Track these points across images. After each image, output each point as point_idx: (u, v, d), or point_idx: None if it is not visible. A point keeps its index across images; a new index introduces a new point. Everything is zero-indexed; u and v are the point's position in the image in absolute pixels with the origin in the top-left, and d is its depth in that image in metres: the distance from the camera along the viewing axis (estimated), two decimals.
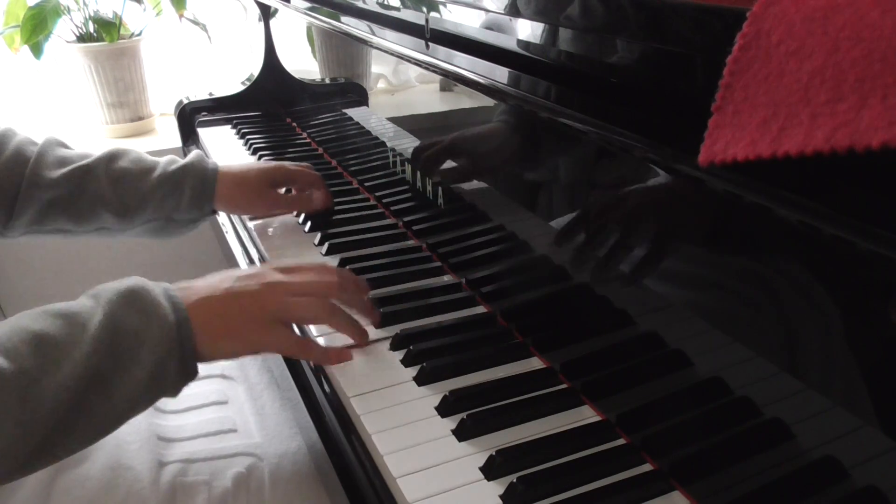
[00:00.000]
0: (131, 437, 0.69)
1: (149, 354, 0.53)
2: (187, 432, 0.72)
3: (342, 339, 0.67)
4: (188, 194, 0.86)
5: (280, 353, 0.66)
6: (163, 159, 0.87)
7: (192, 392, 0.79)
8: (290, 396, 0.70)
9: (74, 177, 0.82)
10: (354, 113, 1.10)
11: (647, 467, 0.53)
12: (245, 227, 0.96)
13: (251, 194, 0.90)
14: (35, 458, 0.50)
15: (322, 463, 0.62)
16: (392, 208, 0.95)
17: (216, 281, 0.61)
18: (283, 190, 0.96)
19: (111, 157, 0.85)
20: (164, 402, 0.77)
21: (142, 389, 0.53)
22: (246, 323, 0.59)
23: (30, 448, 0.49)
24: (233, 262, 0.94)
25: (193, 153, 0.89)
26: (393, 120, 0.95)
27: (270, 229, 0.95)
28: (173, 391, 0.56)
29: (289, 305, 0.61)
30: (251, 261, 0.90)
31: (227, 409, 0.77)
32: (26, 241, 0.88)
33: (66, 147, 0.87)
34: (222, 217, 1.00)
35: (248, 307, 0.59)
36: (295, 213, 0.96)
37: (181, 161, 0.87)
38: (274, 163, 0.95)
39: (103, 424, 0.53)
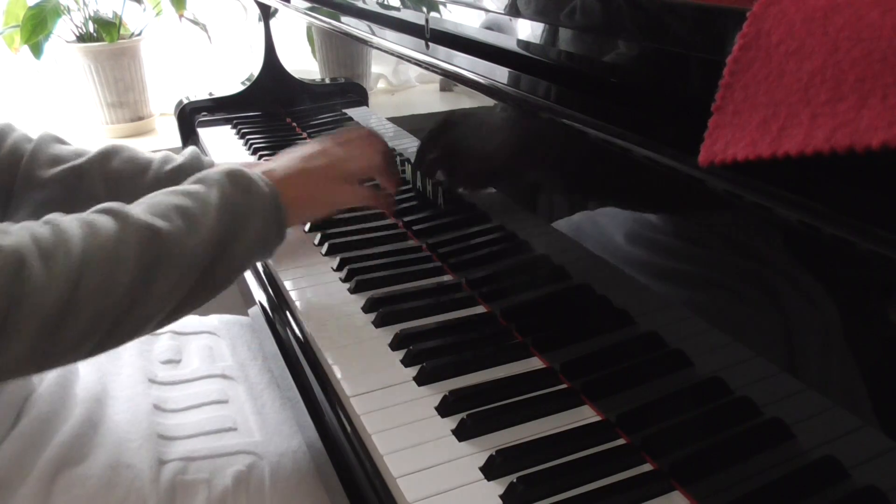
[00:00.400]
0: (132, 436, 0.69)
1: (255, 222, 0.65)
2: (187, 431, 0.72)
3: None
4: None
5: (353, 206, 0.82)
6: (157, 157, 0.86)
7: (192, 391, 0.79)
8: (290, 396, 0.70)
9: (68, 178, 0.81)
10: (354, 113, 1.10)
11: (647, 467, 0.53)
12: None
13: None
14: (179, 308, 0.62)
15: (322, 462, 0.62)
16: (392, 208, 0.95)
17: (291, 160, 0.74)
18: None
19: (104, 157, 0.83)
20: (165, 401, 0.77)
21: (250, 250, 0.65)
22: (321, 191, 0.74)
23: (180, 296, 0.60)
24: None
25: (188, 151, 0.88)
26: (393, 120, 0.95)
27: None
28: (271, 251, 0.69)
29: (352, 169, 0.76)
30: None
31: (228, 408, 0.77)
32: None
33: (62, 143, 0.85)
34: None
35: (321, 179, 0.74)
36: None
37: (175, 161, 0.85)
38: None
39: (231, 269, 0.65)
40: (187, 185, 0.66)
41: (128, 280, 0.56)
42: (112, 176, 0.83)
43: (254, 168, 0.71)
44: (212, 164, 0.87)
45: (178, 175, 0.84)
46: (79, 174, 0.82)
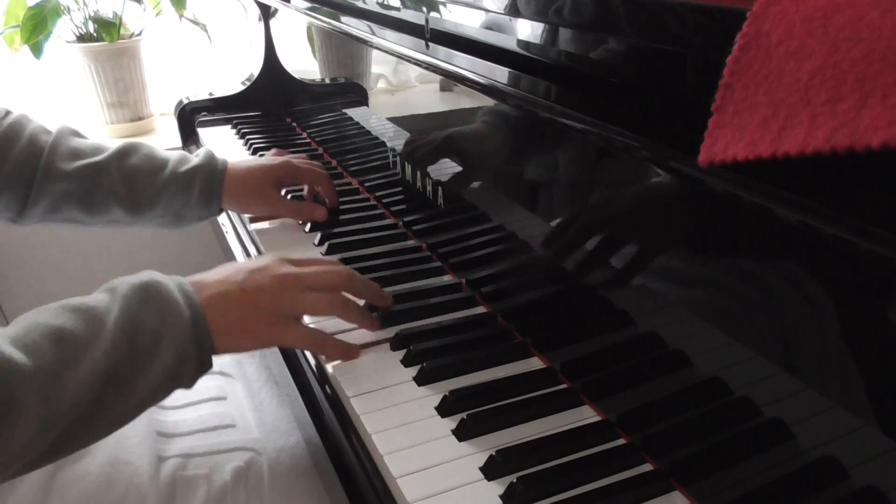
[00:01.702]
0: (131, 433, 0.69)
1: (167, 351, 0.54)
2: (186, 427, 0.72)
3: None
4: (196, 195, 0.87)
5: (295, 348, 0.66)
6: (174, 156, 0.88)
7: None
8: (289, 393, 0.70)
9: (87, 172, 0.84)
10: (354, 113, 1.10)
11: (647, 467, 0.53)
12: (245, 227, 0.96)
13: (253, 194, 0.90)
14: (51, 453, 0.51)
15: (320, 458, 0.62)
16: (392, 208, 0.95)
17: (228, 274, 0.61)
18: (285, 192, 0.96)
19: (123, 153, 0.86)
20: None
21: (159, 384, 0.54)
22: (260, 319, 0.59)
23: (47, 444, 0.49)
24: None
25: (204, 151, 0.90)
26: (393, 120, 0.95)
27: (270, 229, 0.95)
28: (189, 384, 0.57)
29: (302, 300, 0.62)
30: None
31: (226, 404, 0.77)
32: (26, 239, 0.88)
33: (80, 136, 0.88)
34: (222, 217, 1.00)
35: (262, 303, 0.59)
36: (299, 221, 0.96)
37: (191, 161, 0.88)
38: (280, 159, 0.94)
39: (120, 418, 0.54)
40: (89, 297, 0.55)
41: None
42: (129, 172, 0.85)
43: (190, 277, 0.60)
44: (225, 165, 0.89)
45: (192, 177, 0.87)
46: (98, 170, 0.84)
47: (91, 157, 0.85)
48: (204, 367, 0.57)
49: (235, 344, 0.59)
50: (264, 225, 0.96)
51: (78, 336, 0.51)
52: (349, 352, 0.65)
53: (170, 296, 0.55)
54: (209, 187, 0.87)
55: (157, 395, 0.55)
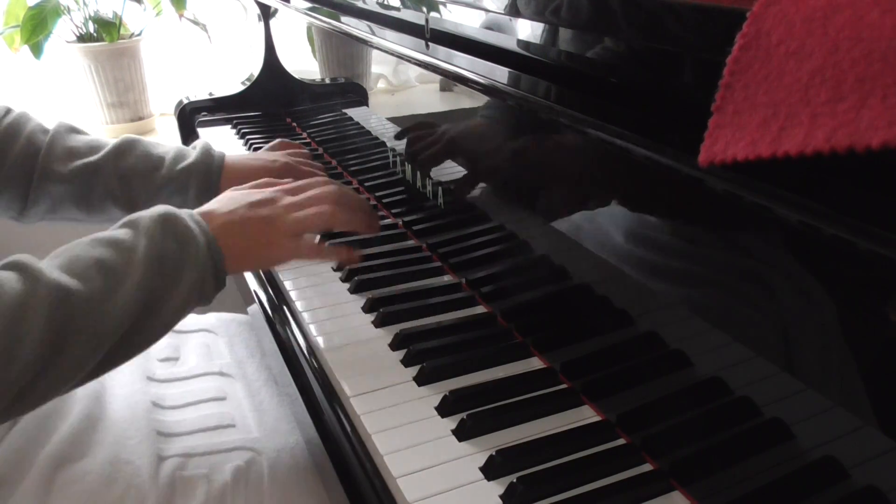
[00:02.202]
0: (131, 433, 0.69)
1: (189, 274, 0.60)
2: (186, 427, 0.72)
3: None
4: (192, 194, 0.86)
5: (298, 260, 0.72)
6: (170, 153, 0.87)
7: (190, 388, 0.80)
8: (289, 393, 0.70)
9: (83, 174, 0.84)
10: (354, 113, 1.10)
11: (647, 467, 0.53)
12: None
13: None
14: (97, 369, 0.57)
15: (320, 457, 0.62)
16: (392, 208, 0.95)
17: (233, 205, 0.67)
18: None
19: (119, 153, 0.85)
20: (163, 398, 0.77)
21: (184, 302, 0.61)
22: (262, 243, 0.67)
23: (97, 361, 0.56)
24: None
25: (200, 146, 0.88)
26: (393, 120, 0.95)
27: None
28: (208, 300, 0.64)
29: (298, 222, 0.68)
30: None
31: (226, 404, 0.77)
32: (27, 237, 0.88)
33: (77, 132, 0.88)
34: None
35: (263, 231, 0.66)
36: None
37: (188, 159, 0.87)
38: (280, 160, 0.93)
39: (154, 333, 0.60)
40: (114, 231, 0.61)
41: (32, 352, 0.51)
42: (126, 173, 0.85)
43: (199, 209, 0.67)
44: (222, 160, 0.88)
45: (188, 176, 0.86)
46: (94, 171, 0.84)
47: (87, 156, 0.84)
48: (219, 284, 0.64)
49: (243, 264, 0.68)
50: None
51: (116, 265, 0.57)
52: (350, 255, 0.75)
53: (186, 226, 0.62)
54: (206, 185, 0.86)
55: (183, 310, 0.62)
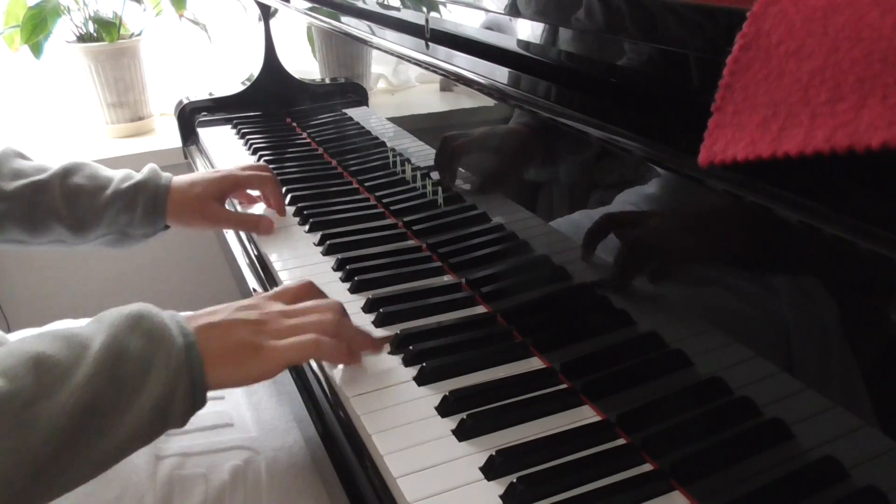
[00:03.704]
0: None
1: (155, 381, 0.50)
2: (184, 427, 0.72)
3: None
4: (140, 212, 0.86)
5: (293, 363, 0.59)
6: (118, 174, 0.87)
7: None
8: (288, 392, 0.70)
9: (28, 191, 0.82)
10: (354, 113, 1.10)
11: (647, 467, 0.53)
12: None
13: (195, 208, 0.89)
14: (30, 493, 0.47)
15: (319, 456, 0.62)
16: (392, 208, 0.95)
17: (219, 309, 0.59)
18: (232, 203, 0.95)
19: (66, 173, 0.85)
20: None
21: (146, 419, 0.50)
22: (247, 350, 0.56)
23: (24, 479, 0.46)
24: (233, 262, 0.94)
25: (148, 168, 0.89)
26: (393, 120, 0.95)
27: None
28: (180, 421, 0.53)
29: (288, 329, 0.58)
30: (250, 260, 0.90)
31: (223, 404, 0.77)
32: None
33: (24, 158, 0.87)
34: None
35: (250, 333, 0.57)
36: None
37: (135, 178, 0.87)
38: (222, 172, 0.93)
39: (104, 458, 0.50)
40: (77, 327, 0.52)
41: None
42: (72, 191, 0.84)
43: (182, 314, 0.57)
44: (169, 181, 0.88)
45: (136, 193, 0.86)
46: (39, 188, 0.83)
47: (32, 176, 0.83)
48: (195, 400, 0.53)
49: (227, 375, 0.55)
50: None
51: (58, 361, 0.48)
52: (352, 353, 0.62)
53: (161, 323, 0.53)
54: (153, 203, 0.86)
55: (144, 431, 0.51)
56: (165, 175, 0.89)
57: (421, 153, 0.86)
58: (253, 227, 0.92)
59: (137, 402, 0.49)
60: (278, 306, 0.61)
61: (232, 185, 0.92)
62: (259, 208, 0.99)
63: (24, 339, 0.50)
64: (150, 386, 0.50)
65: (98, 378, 0.48)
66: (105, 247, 0.90)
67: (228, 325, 0.57)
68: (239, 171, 0.94)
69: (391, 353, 0.67)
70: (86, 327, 0.52)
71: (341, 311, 0.62)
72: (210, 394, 0.77)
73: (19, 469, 0.45)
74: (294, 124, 1.35)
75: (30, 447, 0.45)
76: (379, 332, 0.70)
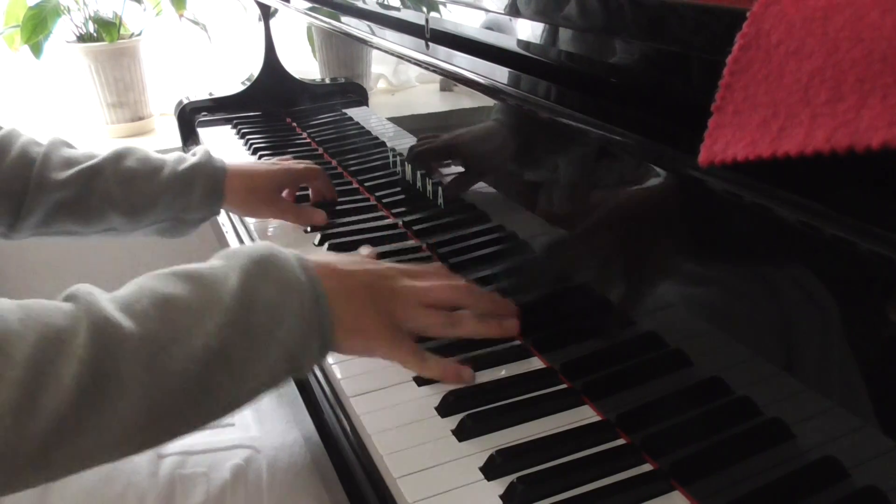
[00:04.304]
0: None
1: (287, 334, 0.49)
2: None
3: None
4: (198, 193, 0.85)
5: (401, 364, 0.60)
6: (170, 157, 0.87)
7: None
8: (288, 392, 0.70)
9: (82, 178, 0.82)
10: (354, 113, 1.10)
11: (647, 467, 0.53)
12: (245, 227, 0.96)
13: (260, 199, 0.89)
14: (158, 433, 0.47)
15: (319, 456, 0.62)
16: (392, 208, 0.95)
17: (352, 269, 0.56)
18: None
19: (118, 157, 0.84)
20: None
21: (278, 369, 0.49)
22: (380, 323, 0.55)
23: (154, 422, 0.45)
24: None
25: (201, 151, 0.88)
26: (393, 120, 0.95)
27: (270, 228, 0.95)
28: (308, 369, 0.52)
29: (420, 318, 0.58)
30: None
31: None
32: (27, 240, 0.87)
33: (72, 147, 0.87)
34: (222, 216, 1.00)
35: (382, 308, 0.55)
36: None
37: (191, 160, 0.86)
38: (279, 165, 0.94)
39: (232, 401, 0.49)
40: (205, 265, 0.51)
41: (61, 400, 0.41)
42: (126, 175, 0.83)
43: (308, 257, 0.55)
44: (223, 164, 0.88)
45: (193, 173, 0.85)
46: (92, 173, 0.82)
47: (85, 162, 0.83)
48: (324, 351, 0.52)
49: (351, 340, 0.54)
50: (263, 224, 0.96)
51: (190, 305, 0.47)
52: (458, 372, 0.60)
53: (292, 272, 0.51)
54: (212, 185, 0.85)
55: (273, 380, 0.50)
56: (218, 158, 0.88)
57: None
58: (309, 219, 0.92)
59: (269, 353, 0.48)
60: (407, 280, 0.59)
61: (291, 178, 0.93)
62: None
63: (149, 276, 0.49)
64: (281, 337, 0.49)
65: (230, 327, 0.47)
66: (156, 235, 0.88)
67: (363, 294, 0.55)
68: (296, 164, 0.94)
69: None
70: (215, 267, 0.50)
71: (467, 285, 0.61)
72: None
73: (152, 411, 0.44)
74: (294, 124, 1.35)
75: (163, 391, 0.45)
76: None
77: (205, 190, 0.85)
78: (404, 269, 0.61)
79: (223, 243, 1.00)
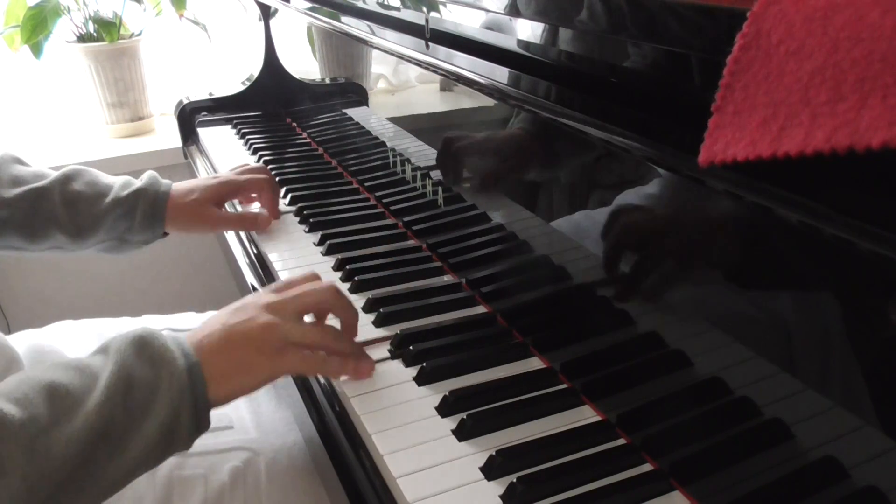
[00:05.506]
0: None
1: (161, 404, 0.51)
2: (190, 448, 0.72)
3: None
4: (139, 218, 0.86)
5: (295, 374, 0.61)
6: (117, 181, 0.88)
7: None
8: (288, 393, 0.70)
9: (28, 198, 0.82)
10: (354, 113, 1.10)
11: (647, 467, 0.53)
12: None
13: (193, 216, 0.89)
14: None
15: (319, 456, 0.62)
16: (392, 208, 0.95)
17: (215, 320, 0.59)
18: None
19: (66, 179, 0.85)
20: None
21: (153, 442, 0.51)
22: (253, 354, 0.56)
23: (38, 500, 0.46)
24: (233, 262, 0.94)
25: (147, 175, 0.89)
26: (393, 120, 0.95)
27: (270, 228, 0.95)
28: (186, 443, 0.54)
29: (291, 329, 0.59)
30: (250, 260, 0.90)
31: (223, 406, 0.77)
32: None
33: (23, 163, 0.87)
34: None
35: (252, 335, 0.57)
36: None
37: (135, 185, 0.87)
38: (220, 178, 0.93)
39: (111, 482, 0.50)
40: (84, 357, 0.53)
41: None
42: (72, 198, 0.84)
43: (182, 332, 0.58)
44: (168, 187, 0.88)
45: (135, 200, 0.86)
46: (39, 195, 0.83)
47: (32, 182, 0.83)
48: (200, 422, 0.54)
49: (234, 386, 0.56)
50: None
51: (70, 389, 0.48)
52: (358, 367, 0.62)
53: (164, 347, 0.53)
54: (152, 210, 0.86)
55: (151, 454, 0.51)
56: (165, 182, 0.89)
57: (421, 153, 0.86)
58: (251, 224, 0.92)
59: (145, 426, 0.50)
60: (271, 296, 0.60)
61: (230, 190, 0.92)
62: (257, 206, 0.99)
63: (32, 369, 0.51)
64: (156, 409, 0.51)
65: (109, 405, 0.49)
66: (103, 253, 0.90)
67: (227, 334, 0.56)
68: (237, 175, 0.94)
69: (391, 352, 0.67)
70: (95, 356, 0.53)
71: (335, 289, 0.63)
72: None
73: (32, 496, 0.45)
74: (294, 124, 1.35)
75: (43, 474, 0.46)
76: (379, 332, 0.70)
77: (145, 215, 0.86)
78: (270, 291, 0.62)
79: (223, 244, 1.00)
